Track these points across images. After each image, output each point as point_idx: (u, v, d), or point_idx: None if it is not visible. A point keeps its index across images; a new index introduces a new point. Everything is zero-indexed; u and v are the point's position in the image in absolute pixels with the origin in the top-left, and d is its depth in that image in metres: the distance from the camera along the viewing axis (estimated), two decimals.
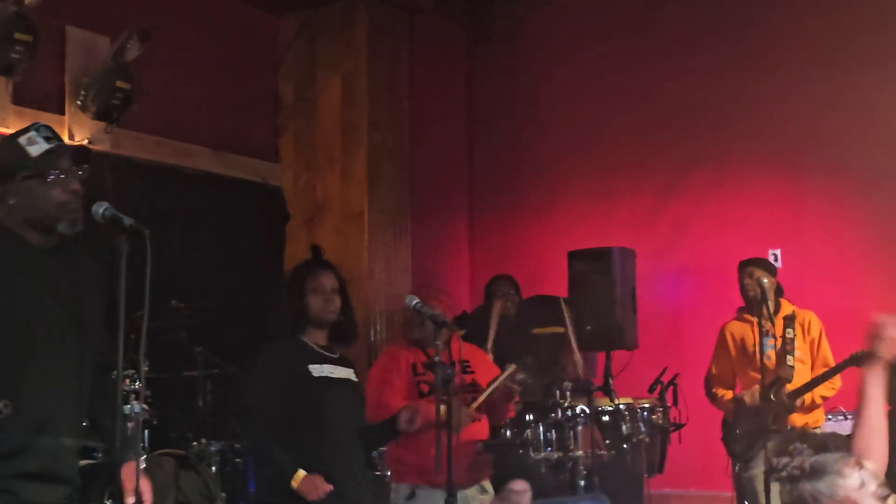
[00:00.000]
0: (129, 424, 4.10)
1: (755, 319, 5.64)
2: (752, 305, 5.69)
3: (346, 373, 4.29)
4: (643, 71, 7.65)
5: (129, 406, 4.69)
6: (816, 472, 2.13)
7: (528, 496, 1.13)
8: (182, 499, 5.17)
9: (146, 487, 3.05)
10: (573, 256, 6.60)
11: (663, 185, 7.57)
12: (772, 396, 5.57)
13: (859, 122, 6.87)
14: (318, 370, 4.18)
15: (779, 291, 5.76)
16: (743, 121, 7.29)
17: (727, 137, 7.34)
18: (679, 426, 5.81)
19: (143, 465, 3.09)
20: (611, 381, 6.06)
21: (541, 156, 8.10)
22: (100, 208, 2.97)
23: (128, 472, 3.00)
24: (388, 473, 5.16)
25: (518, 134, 8.25)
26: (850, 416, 6.06)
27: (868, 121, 6.84)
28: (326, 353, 4.27)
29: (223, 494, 5.35)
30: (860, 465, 2.23)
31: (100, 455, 3.14)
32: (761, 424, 5.46)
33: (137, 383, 4.82)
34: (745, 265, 5.81)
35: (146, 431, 5.18)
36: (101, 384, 3.10)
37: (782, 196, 7.13)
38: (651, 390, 5.80)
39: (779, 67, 7.15)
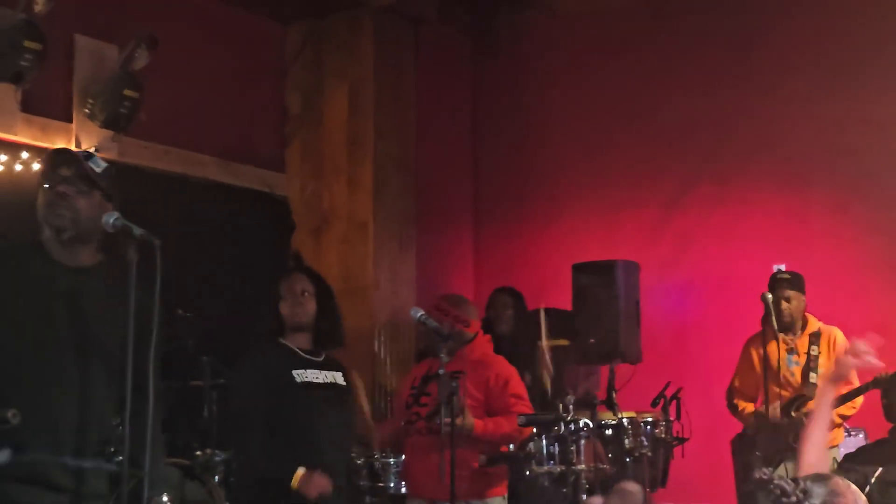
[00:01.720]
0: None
1: (781, 335, 5.65)
2: (781, 323, 5.70)
3: (331, 377, 4.30)
4: (648, 84, 7.66)
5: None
6: (808, 493, 2.26)
7: (640, 497, 1.13)
8: None
9: None
10: (578, 269, 6.60)
11: (668, 199, 7.57)
12: (793, 413, 5.57)
13: (864, 137, 6.88)
14: (301, 375, 4.20)
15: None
16: (748, 135, 7.30)
17: (732, 152, 7.35)
18: (682, 440, 5.79)
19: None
20: (614, 395, 6.05)
21: (546, 167, 8.10)
22: (110, 218, 2.98)
23: None
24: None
25: (523, 145, 8.25)
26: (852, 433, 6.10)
27: (872, 135, 6.85)
28: (310, 358, 4.28)
29: None
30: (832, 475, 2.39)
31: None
32: (782, 442, 5.47)
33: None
34: (778, 284, 5.80)
35: None
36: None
37: (786, 210, 7.14)
38: (654, 404, 5.79)
39: (783, 83, 7.17)
